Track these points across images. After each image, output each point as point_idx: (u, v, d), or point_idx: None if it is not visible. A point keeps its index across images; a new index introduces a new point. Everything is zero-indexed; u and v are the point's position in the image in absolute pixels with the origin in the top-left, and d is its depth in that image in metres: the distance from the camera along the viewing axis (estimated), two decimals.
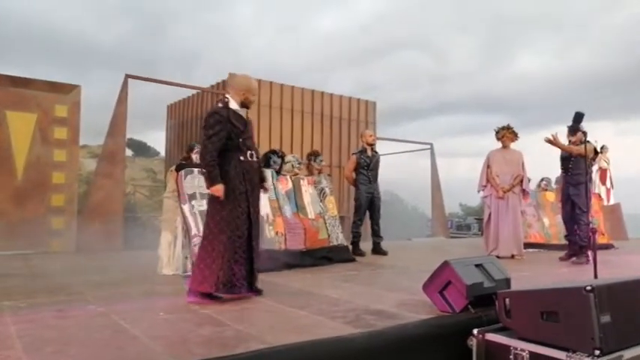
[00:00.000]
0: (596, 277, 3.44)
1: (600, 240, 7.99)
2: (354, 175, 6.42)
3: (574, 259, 5.74)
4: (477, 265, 2.97)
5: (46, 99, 6.87)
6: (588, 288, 2.14)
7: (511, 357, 2.38)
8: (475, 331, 2.55)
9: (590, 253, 5.57)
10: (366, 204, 6.34)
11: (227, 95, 3.35)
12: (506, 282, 3.00)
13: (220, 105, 3.29)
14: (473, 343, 2.55)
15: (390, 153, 11.57)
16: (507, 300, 2.51)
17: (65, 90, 7.04)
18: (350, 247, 6.13)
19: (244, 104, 3.34)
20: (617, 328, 2.16)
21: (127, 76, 7.32)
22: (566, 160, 5.71)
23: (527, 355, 2.32)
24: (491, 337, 2.49)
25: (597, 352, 2.07)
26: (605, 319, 2.13)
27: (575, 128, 3.68)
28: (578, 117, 3.61)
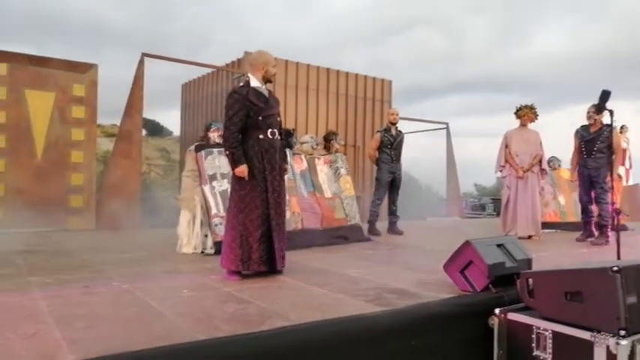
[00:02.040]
0: (619, 257, 3.41)
1: (622, 220, 7.94)
2: (377, 153, 6.39)
3: (592, 239, 5.70)
4: (498, 245, 2.97)
5: (63, 78, 6.89)
6: (615, 269, 2.12)
7: (533, 336, 2.39)
8: (497, 311, 2.55)
9: (610, 233, 5.58)
10: (386, 183, 6.33)
11: (248, 74, 3.34)
12: (528, 262, 3.00)
13: (241, 84, 3.29)
14: (494, 322, 2.55)
15: (408, 132, 11.50)
16: (530, 280, 2.50)
17: (82, 69, 7.06)
18: (367, 225, 6.14)
19: (266, 78, 3.34)
20: None
21: (144, 55, 7.30)
22: (592, 142, 5.63)
23: (551, 335, 2.32)
24: (513, 316, 2.50)
25: (623, 333, 2.07)
26: (631, 299, 2.12)
27: (601, 107, 3.60)
28: (605, 95, 3.52)
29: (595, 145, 5.62)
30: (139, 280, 3.15)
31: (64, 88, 6.92)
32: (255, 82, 3.29)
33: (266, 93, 3.34)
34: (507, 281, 2.81)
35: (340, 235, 5.33)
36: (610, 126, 5.58)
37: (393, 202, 6.45)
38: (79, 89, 7.01)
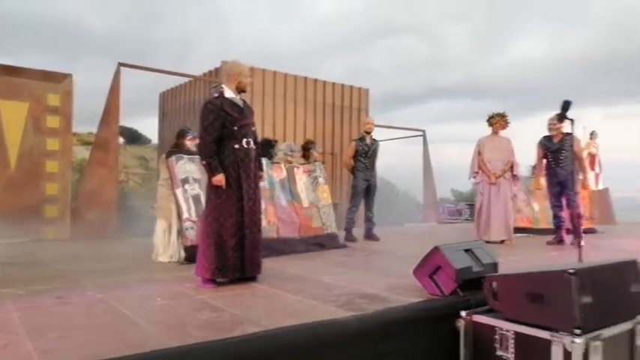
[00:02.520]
0: (580, 260, 3.55)
1: (590, 224, 8.19)
2: (352, 162, 6.50)
3: (572, 240, 5.87)
4: (466, 250, 3.07)
5: (38, 88, 6.84)
6: (571, 271, 2.24)
7: (497, 337, 2.48)
8: (463, 313, 2.64)
9: (564, 234, 5.98)
10: (362, 191, 6.44)
11: (222, 85, 3.41)
12: (494, 266, 3.10)
13: (215, 95, 3.35)
14: (461, 324, 2.64)
15: (383, 140, 11.66)
16: (494, 283, 2.60)
17: (57, 79, 7.02)
18: (344, 232, 6.22)
19: (239, 89, 3.41)
20: (597, 309, 2.26)
21: (120, 65, 7.30)
22: (557, 152, 5.87)
23: (513, 335, 2.42)
24: (478, 318, 2.59)
25: (578, 332, 2.17)
26: (586, 300, 2.23)
27: (563, 116, 3.77)
28: (566, 105, 3.69)
29: (561, 155, 5.88)
30: (114, 289, 3.16)
31: (39, 97, 6.86)
32: (229, 93, 3.36)
33: (240, 103, 3.41)
34: (475, 285, 2.90)
35: (317, 243, 5.40)
36: (571, 134, 5.87)
37: (369, 209, 6.55)
38: (54, 99, 6.96)
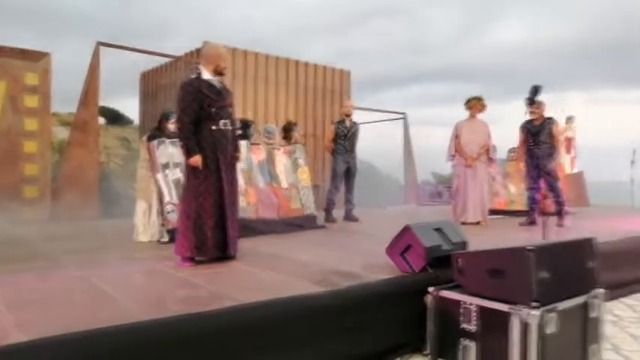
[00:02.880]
0: (544, 239, 3.71)
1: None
2: (332, 144, 6.58)
3: (558, 221, 6.07)
4: (436, 229, 3.19)
5: (15, 66, 6.74)
6: (529, 248, 2.37)
7: (461, 310, 2.62)
8: (431, 289, 2.78)
9: (537, 216, 6.11)
10: (342, 173, 6.53)
11: (199, 66, 3.44)
12: (463, 244, 3.23)
13: (193, 76, 3.39)
14: (428, 299, 2.78)
15: (364, 122, 11.75)
16: (460, 260, 2.73)
17: (35, 57, 6.92)
18: (323, 214, 6.33)
19: (217, 72, 3.45)
20: (554, 284, 2.40)
21: (99, 44, 7.22)
22: (537, 134, 6.04)
23: (476, 309, 2.56)
24: (444, 293, 2.72)
25: (535, 304, 2.32)
26: (543, 275, 2.37)
27: (532, 100, 3.90)
28: (535, 90, 3.82)
29: (540, 137, 6.05)
30: (94, 267, 3.23)
31: (16, 76, 6.77)
32: (206, 75, 3.40)
33: (218, 85, 3.45)
34: (444, 263, 3.02)
35: (296, 224, 5.49)
36: (550, 119, 6.08)
37: (348, 191, 6.66)
38: (32, 78, 6.87)
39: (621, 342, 3.10)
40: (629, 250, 4.69)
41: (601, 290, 2.75)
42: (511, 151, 8.73)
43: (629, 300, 4.16)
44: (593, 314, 2.68)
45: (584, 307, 2.63)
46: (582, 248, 2.72)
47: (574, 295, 2.56)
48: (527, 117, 6.19)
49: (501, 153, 8.71)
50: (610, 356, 2.85)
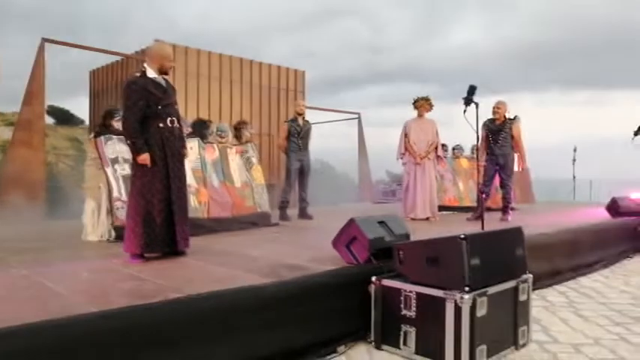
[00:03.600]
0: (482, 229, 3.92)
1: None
2: (285, 143, 6.65)
3: (502, 216, 6.46)
4: (379, 222, 3.33)
5: None
6: (462, 236, 2.53)
7: (402, 298, 2.76)
8: (374, 278, 2.91)
9: (511, 212, 6.57)
10: (296, 171, 6.61)
11: (144, 64, 3.45)
12: (406, 236, 3.39)
13: (137, 74, 3.40)
14: (371, 288, 2.91)
15: (320, 122, 11.90)
16: (400, 250, 2.88)
17: None
18: (278, 212, 6.40)
19: (161, 71, 3.46)
20: (484, 270, 2.58)
21: (44, 40, 7.02)
22: (497, 133, 6.33)
23: (415, 296, 2.70)
24: (386, 282, 2.86)
25: (467, 289, 2.48)
26: (475, 261, 2.54)
27: (469, 100, 4.12)
28: (472, 89, 4.05)
29: (500, 136, 6.36)
30: (40, 266, 3.18)
31: None
32: (151, 73, 3.41)
33: (163, 83, 3.47)
34: (387, 254, 3.16)
35: (250, 222, 5.54)
36: (512, 119, 6.43)
37: (302, 189, 6.75)
38: None
39: (550, 324, 3.33)
40: (563, 241, 5.01)
41: (530, 275, 2.96)
42: (455, 148, 9.07)
43: (561, 287, 4.45)
44: (522, 298, 2.89)
45: (515, 291, 2.83)
46: (512, 236, 2.92)
47: (505, 280, 2.75)
48: (490, 116, 6.51)
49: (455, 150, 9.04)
50: (540, 337, 3.07)
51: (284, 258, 3.46)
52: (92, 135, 4.70)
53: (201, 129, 5.62)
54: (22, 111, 7.06)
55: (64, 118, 26.20)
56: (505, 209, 6.50)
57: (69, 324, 1.93)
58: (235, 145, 6.03)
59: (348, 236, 3.21)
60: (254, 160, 6.04)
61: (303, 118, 6.75)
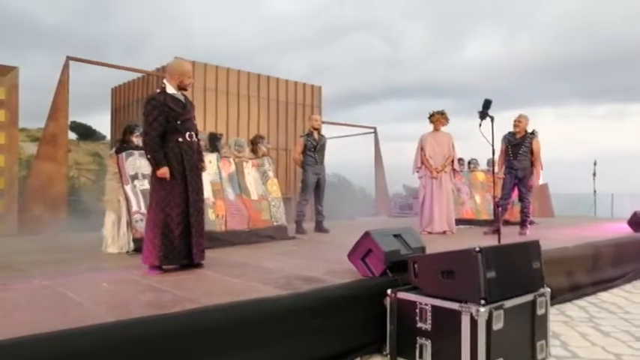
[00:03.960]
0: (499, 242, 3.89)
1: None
2: (301, 157, 6.71)
3: (520, 230, 6.41)
4: (395, 235, 3.34)
5: None
6: (477, 249, 2.53)
7: (417, 311, 2.76)
8: (389, 291, 2.91)
9: (529, 226, 6.51)
10: (312, 185, 6.65)
11: (164, 81, 3.54)
12: (422, 250, 3.38)
13: (158, 91, 3.50)
14: (387, 301, 2.91)
15: (338, 136, 11.97)
16: (415, 263, 2.88)
17: (2, 72, 6.90)
18: (294, 225, 6.44)
19: (180, 88, 3.56)
20: (501, 283, 2.56)
21: (69, 58, 7.24)
22: (517, 147, 6.30)
23: (430, 308, 2.70)
24: (401, 295, 2.86)
25: (483, 302, 2.47)
26: (491, 274, 2.53)
27: (484, 114, 4.13)
28: (487, 103, 4.06)
29: (520, 149, 6.33)
30: (60, 277, 3.26)
31: None
32: (171, 90, 3.51)
33: (182, 98, 3.57)
34: (403, 267, 3.17)
35: (266, 235, 5.58)
36: (532, 134, 6.39)
37: (319, 203, 6.78)
38: None
39: (570, 339, 3.28)
40: (584, 256, 4.93)
41: (547, 289, 2.93)
42: (471, 162, 9.03)
43: (581, 302, 4.37)
44: (540, 312, 2.86)
45: (532, 304, 2.80)
46: (529, 250, 2.90)
47: (521, 294, 2.73)
48: (510, 129, 6.48)
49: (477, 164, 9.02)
50: (559, 352, 3.02)
51: (300, 270, 3.47)
52: (113, 150, 4.82)
53: (213, 142, 5.71)
54: (47, 126, 7.26)
55: (86, 133, 26.81)
56: (523, 223, 6.44)
57: (90, 333, 1.98)
58: (252, 159, 6.11)
59: (363, 249, 3.22)
60: (270, 173, 6.10)
61: (319, 132, 6.81)
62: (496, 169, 5.37)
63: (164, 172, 3.41)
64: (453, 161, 6.64)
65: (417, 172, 6.75)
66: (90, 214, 8.61)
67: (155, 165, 3.43)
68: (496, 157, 4.71)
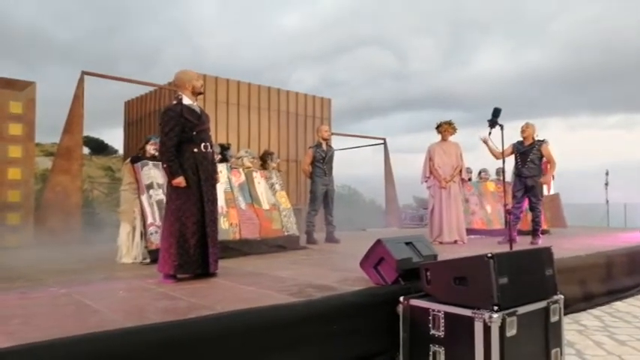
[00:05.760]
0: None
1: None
2: (310, 168, 6.76)
3: (532, 240, 6.36)
4: (406, 243, 3.36)
5: (0, 95, 6.87)
6: (489, 255, 2.54)
7: (430, 318, 2.76)
8: (401, 298, 2.92)
9: (542, 236, 6.50)
10: (321, 195, 6.69)
11: (179, 93, 3.62)
12: (434, 257, 3.39)
13: (174, 102, 3.57)
14: (400, 308, 2.92)
15: (347, 148, 12.02)
16: (428, 270, 2.89)
17: (20, 86, 7.05)
18: (304, 236, 6.47)
19: (195, 93, 3.65)
20: (513, 289, 2.57)
21: (84, 73, 7.39)
22: (525, 154, 6.31)
23: (443, 315, 2.70)
24: (414, 302, 2.87)
25: (496, 308, 2.47)
26: (503, 281, 2.53)
27: (494, 122, 4.15)
28: (496, 112, 4.09)
29: (528, 157, 6.33)
30: (77, 285, 3.31)
31: (1, 105, 6.88)
32: (186, 100, 3.59)
33: (198, 109, 3.64)
34: (415, 274, 3.18)
35: (277, 244, 5.62)
36: (541, 141, 6.41)
37: (329, 213, 6.81)
38: (16, 107, 6.99)
39: (585, 347, 3.26)
40: (597, 265, 4.90)
41: (561, 296, 2.92)
42: (482, 172, 9.02)
43: (596, 311, 4.34)
44: (554, 319, 2.85)
45: (545, 311, 2.80)
46: (541, 256, 2.90)
47: (534, 300, 2.72)
48: (519, 139, 6.50)
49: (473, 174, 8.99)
50: None
51: (312, 279, 3.50)
52: (129, 160, 4.90)
53: (222, 152, 5.80)
54: (63, 139, 7.38)
55: (98, 148, 27.15)
56: (535, 232, 6.41)
57: (108, 338, 2.02)
58: (260, 170, 6.18)
59: (375, 257, 3.24)
60: (277, 186, 6.16)
61: (327, 143, 6.87)
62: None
63: (180, 181, 3.47)
64: (461, 171, 6.65)
65: (426, 181, 6.77)
66: (103, 226, 8.72)
67: (171, 174, 3.49)
68: (506, 166, 4.71)
